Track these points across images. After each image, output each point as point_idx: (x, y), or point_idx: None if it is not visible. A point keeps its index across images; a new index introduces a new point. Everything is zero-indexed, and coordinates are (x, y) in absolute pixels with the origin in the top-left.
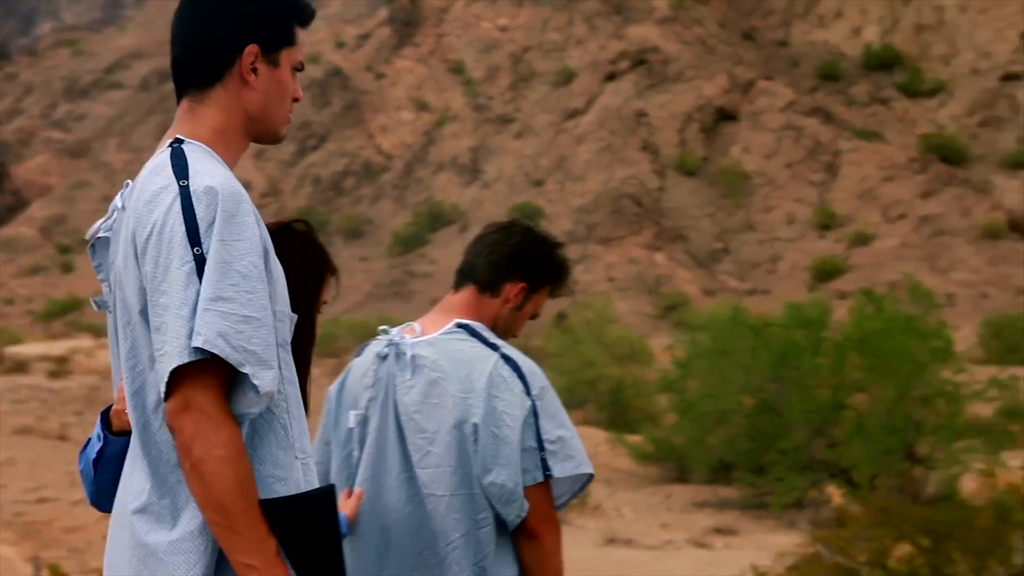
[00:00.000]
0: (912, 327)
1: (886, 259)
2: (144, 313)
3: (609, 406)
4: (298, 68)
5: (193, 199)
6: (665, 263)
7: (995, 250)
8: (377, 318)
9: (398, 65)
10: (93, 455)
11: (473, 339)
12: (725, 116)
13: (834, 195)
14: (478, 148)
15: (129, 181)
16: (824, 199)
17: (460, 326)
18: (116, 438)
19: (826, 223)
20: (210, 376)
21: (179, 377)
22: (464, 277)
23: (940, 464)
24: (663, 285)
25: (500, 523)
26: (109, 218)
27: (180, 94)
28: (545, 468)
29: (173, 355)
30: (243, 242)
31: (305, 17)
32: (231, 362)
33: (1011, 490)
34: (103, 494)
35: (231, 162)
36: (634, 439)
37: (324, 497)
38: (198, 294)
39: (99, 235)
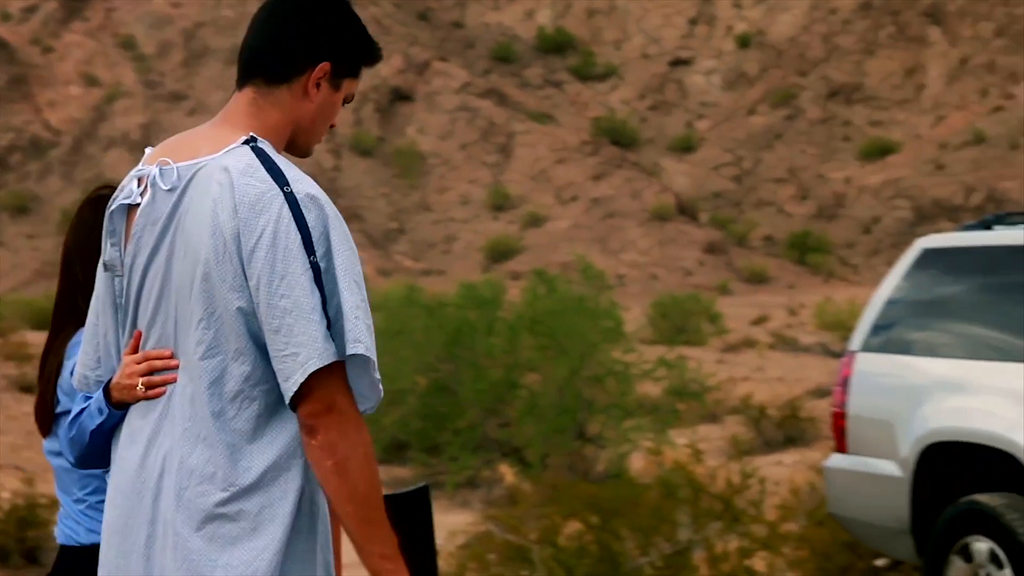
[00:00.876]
0: (583, 307)
1: (559, 240)
2: (243, 310)
3: None
4: (347, 100)
5: (302, 207)
6: None
7: (664, 232)
8: (44, 296)
9: (67, 39)
10: (92, 426)
11: None
12: (400, 96)
13: (508, 176)
14: (149, 125)
15: (168, 160)
16: (498, 180)
17: None
18: (117, 411)
19: (500, 204)
20: (344, 381)
21: (315, 379)
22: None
23: (610, 442)
24: None
25: None
26: (139, 188)
27: (244, 81)
28: None
29: (312, 357)
30: (353, 253)
31: (374, 60)
32: (374, 368)
33: (677, 468)
34: (91, 458)
35: None
36: None
37: (424, 494)
38: (321, 301)
39: (124, 202)
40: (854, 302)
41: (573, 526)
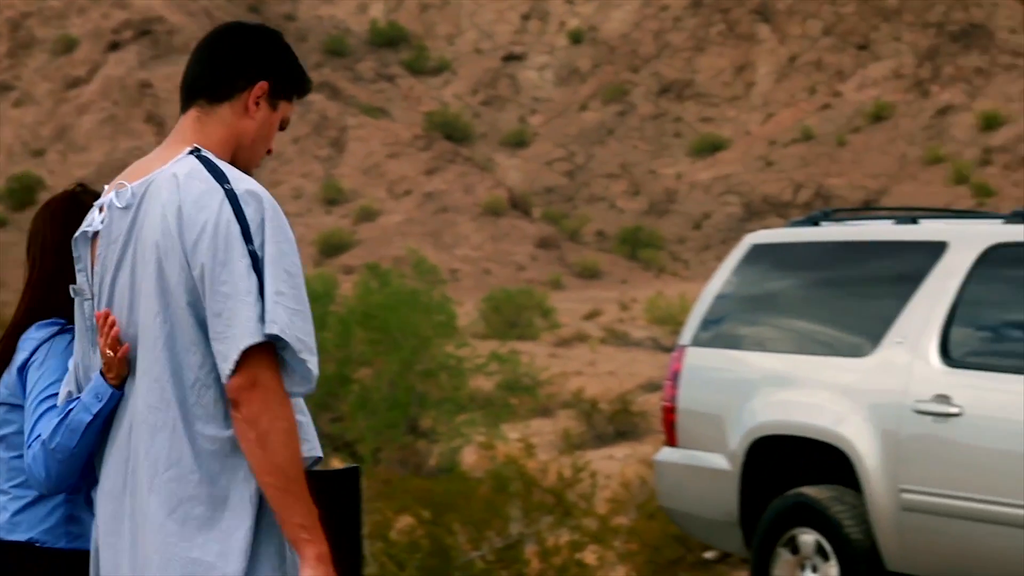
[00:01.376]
0: (416, 302)
1: (392, 234)
2: (191, 304)
3: None
4: (283, 125)
5: (240, 201)
6: None
7: (496, 227)
8: None
9: None
10: (88, 418)
11: None
12: None
13: (340, 170)
14: None
15: (124, 182)
16: (330, 174)
17: None
18: (118, 391)
19: (333, 198)
20: (271, 359)
21: (245, 357)
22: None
23: (442, 437)
24: None
25: None
26: (100, 215)
27: (189, 103)
28: None
29: (245, 336)
30: (287, 243)
31: (306, 88)
32: (295, 348)
33: (509, 462)
34: (70, 471)
35: None
36: None
37: (354, 475)
38: (258, 285)
39: (86, 229)
40: (685, 297)
41: (405, 520)
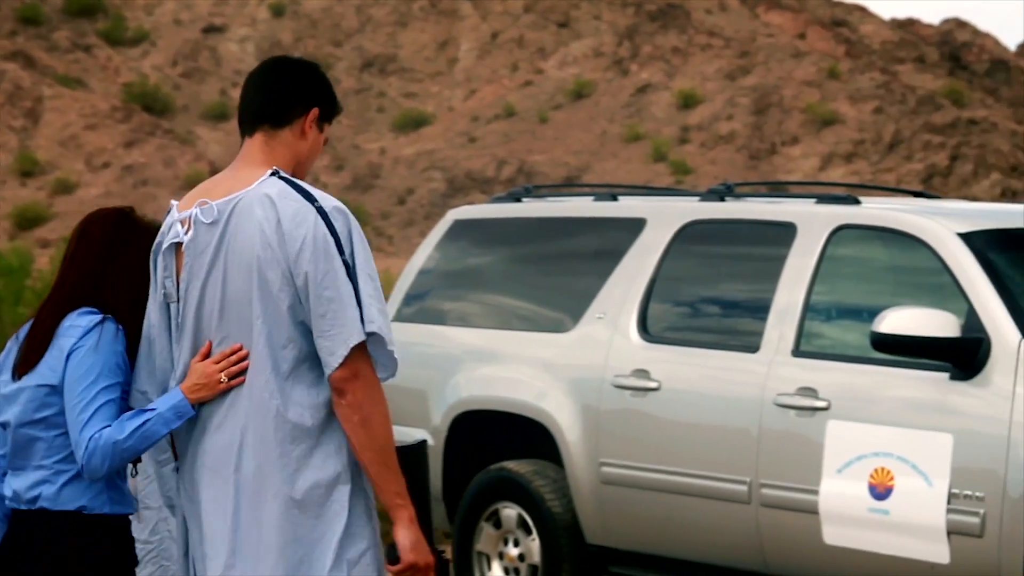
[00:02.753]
0: None
1: (90, 207)
2: (291, 307)
3: None
4: (325, 142)
5: (331, 217)
6: None
7: None
8: None
9: None
10: (164, 431)
11: None
12: None
13: (36, 142)
14: None
15: (206, 200)
16: (25, 146)
17: None
18: (194, 411)
19: (28, 170)
20: (367, 353)
21: (347, 353)
22: None
23: None
24: None
25: None
26: (183, 228)
27: (253, 129)
28: None
29: (352, 335)
30: (368, 251)
31: (337, 114)
32: (386, 341)
33: None
34: (125, 463)
35: None
36: None
37: (423, 447)
38: (355, 291)
39: (173, 241)
40: (389, 272)
41: None
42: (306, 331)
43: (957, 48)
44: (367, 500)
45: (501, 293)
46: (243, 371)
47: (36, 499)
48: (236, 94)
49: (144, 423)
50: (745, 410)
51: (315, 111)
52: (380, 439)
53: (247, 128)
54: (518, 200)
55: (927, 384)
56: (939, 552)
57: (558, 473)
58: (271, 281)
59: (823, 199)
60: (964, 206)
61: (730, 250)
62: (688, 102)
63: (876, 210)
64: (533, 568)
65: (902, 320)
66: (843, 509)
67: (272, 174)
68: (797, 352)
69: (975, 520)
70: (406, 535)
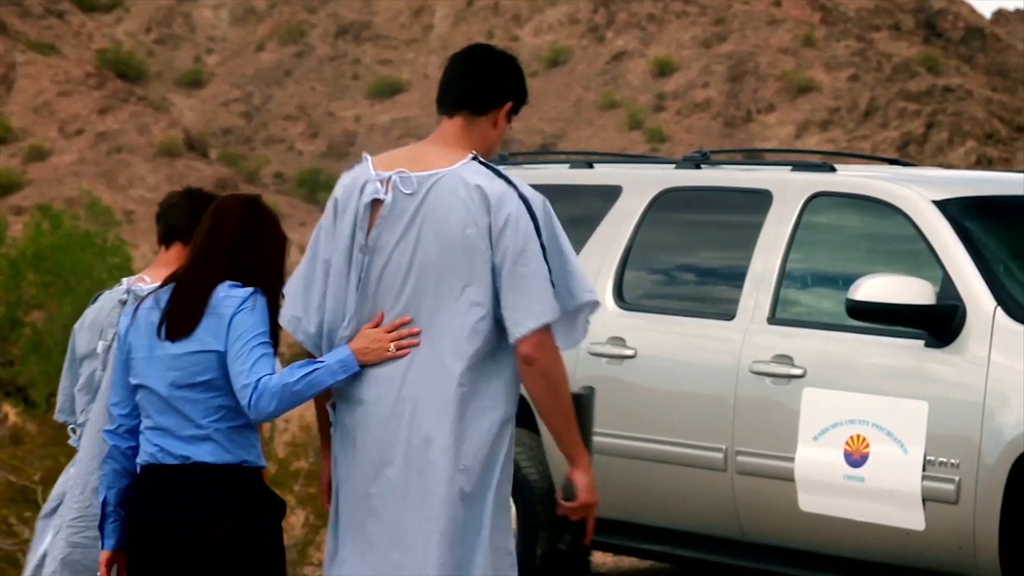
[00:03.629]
0: (90, 244)
1: (64, 175)
2: (483, 280)
3: None
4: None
5: (530, 202)
6: None
7: (172, 168)
8: None
9: None
10: (330, 382)
11: None
12: None
13: (9, 108)
14: None
15: (405, 169)
16: None
17: None
18: (360, 368)
19: (2, 137)
20: (549, 326)
21: (537, 327)
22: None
23: None
24: None
25: None
26: (383, 188)
27: (454, 112)
28: None
29: (545, 312)
30: (562, 233)
31: (525, 104)
32: (594, 311)
33: None
34: (285, 410)
35: None
36: None
37: (591, 395)
38: (564, 267)
39: (374, 198)
40: None
41: None
42: (491, 302)
43: (933, 15)
44: (512, 449)
45: None
46: (411, 345)
47: (190, 456)
48: (211, 62)
49: (313, 371)
50: (721, 378)
51: (510, 104)
52: (563, 399)
53: (448, 109)
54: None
55: (902, 351)
56: (914, 519)
57: (534, 440)
58: (471, 255)
59: (799, 166)
60: (939, 173)
61: (706, 217)
62: (664, 69)
63: (852, 177)
64: None
65: (877, 288)
66: (819, 476)
67: (472, 158)
68: (773, 320)
69: (950, 487)
70: (583, 477)
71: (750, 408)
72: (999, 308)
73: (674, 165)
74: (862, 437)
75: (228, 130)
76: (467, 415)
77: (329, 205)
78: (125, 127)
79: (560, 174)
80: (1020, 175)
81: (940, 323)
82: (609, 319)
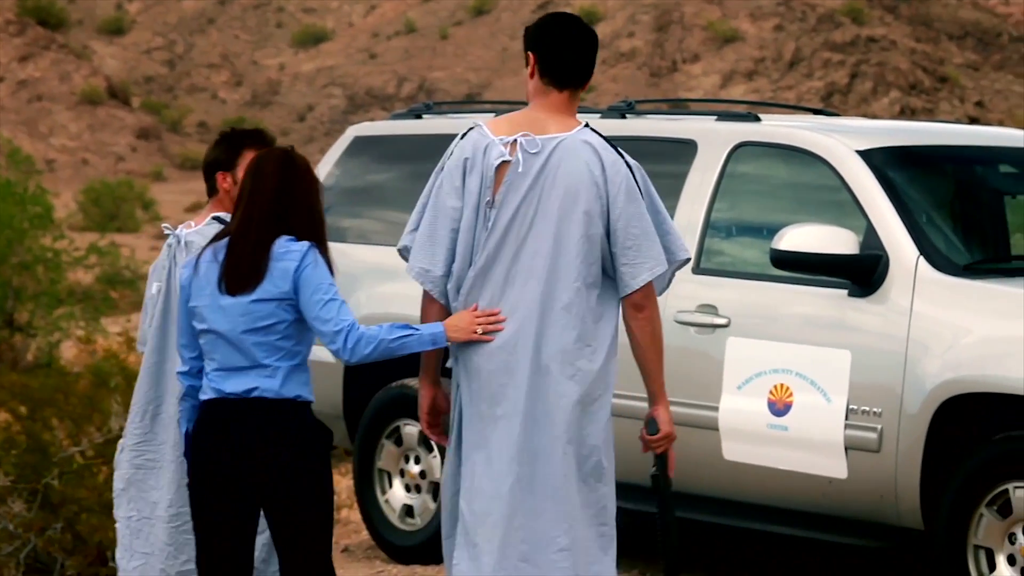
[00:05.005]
0: (10, 193)
1: None
2: (601, 235)
3: None
4: None
5: (633, 169)
6: None
7: (94, 116)
8: None
9: None
10: (418, 348)
11: None
12: None
13: None
14: None
15: (529, 132)
16: None
17: None
18: (446, 343)
19: None
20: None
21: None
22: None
23: (40, 331)
24: None
25: None
26: (507, 150)
27: (565, 85)
28: None
29: (656, 265)
30: (656, 194)
31: None
32: (681, 266)
33: (109, 356)
34: (379, 357)
35: None
36: None
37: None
38: (661, 227)
39: (501, 159)
40: None
41: (1, 417)
42: (598, 253)
43: None
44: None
45: (402, 210)
46: (496, 331)
47: (252, 390)
48: (133, 9)
49: (408, 335)
50: None
51: (587, 83)
52: (660, 343)
53: (561, 82)
54: (419, 117)
55: (826, 301)
56: (837, 467)
57: None
58: (590, 212)
59: (723, 116)
60: (863, 123)
61: None
62: (589, 19)
63: (776, 127)
64: (434, 485)
65: (801, 237)
66: (742, 425)
67: (585, 125)
68: (697, 269)
69: (872, 436)
70: (665, 412)
71: (674, 358)
72: (921, 258)
73: (599, 115)
74: (785, 386)
75: (151, 78)
76: (581, 356)
77: (454, 166)
78: (46, 75)
79: None
80: (943, 125)
81: (863, 273)
82: None
